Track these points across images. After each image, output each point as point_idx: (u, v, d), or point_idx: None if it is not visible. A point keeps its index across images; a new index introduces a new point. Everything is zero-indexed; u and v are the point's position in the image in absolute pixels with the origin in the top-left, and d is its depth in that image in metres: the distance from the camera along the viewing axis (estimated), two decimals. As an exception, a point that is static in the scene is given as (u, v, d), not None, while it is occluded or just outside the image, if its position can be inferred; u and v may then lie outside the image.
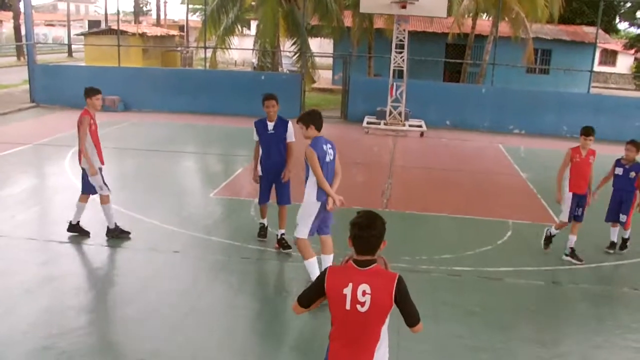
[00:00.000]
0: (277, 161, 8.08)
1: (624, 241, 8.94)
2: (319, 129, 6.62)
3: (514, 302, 7.20)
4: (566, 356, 5.97)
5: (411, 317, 3.51)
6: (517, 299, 7.29)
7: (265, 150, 8.13)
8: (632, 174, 8.61)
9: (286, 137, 8.06)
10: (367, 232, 3.41)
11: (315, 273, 6.66)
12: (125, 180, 12.27)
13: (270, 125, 8.05)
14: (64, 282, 7.02)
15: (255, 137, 8.18)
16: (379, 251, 3.51)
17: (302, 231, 6.75)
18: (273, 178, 8.16)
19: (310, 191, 6.66)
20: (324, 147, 6.56)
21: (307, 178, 6.68)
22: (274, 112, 7.99)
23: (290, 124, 8.07)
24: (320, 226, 6.82)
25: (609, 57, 51.78)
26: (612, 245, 8.97)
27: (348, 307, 3.42)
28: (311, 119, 6.60)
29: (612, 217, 8.85)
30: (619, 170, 8.73)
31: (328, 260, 6.91)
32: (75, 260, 7.72)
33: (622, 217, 8.74)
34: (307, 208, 6.71)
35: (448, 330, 6.31)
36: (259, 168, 8.27)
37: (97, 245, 8.17)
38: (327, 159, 6.55)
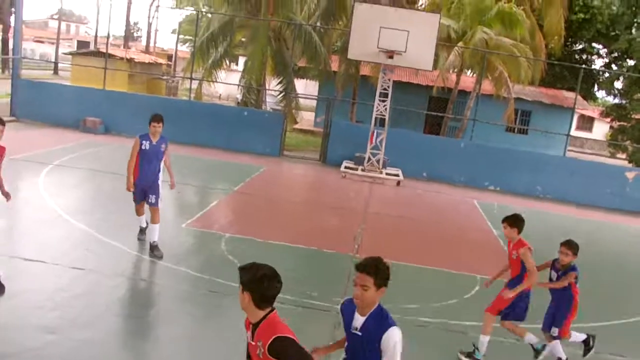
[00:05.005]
0: None
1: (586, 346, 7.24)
2: None
3: (476, 357, 7.22)
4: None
5: None
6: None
7: None
8: None
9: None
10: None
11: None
12: (99, 203, 12.17)
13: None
14: (24, 300, 6.91)
15: None
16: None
17: None
18: None
19: None
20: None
21: None
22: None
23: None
24: None
25: (586, 122, 53.02)
26: None
27: None
28: None
29: (545, 326, 7.17)
30: (553, 276, 6.97)
31: None
32: (38, 279, 7.59)
33: (553, 330, 7.00)
34: None
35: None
36: None
37: (62, 266, 8.06)
38: None
